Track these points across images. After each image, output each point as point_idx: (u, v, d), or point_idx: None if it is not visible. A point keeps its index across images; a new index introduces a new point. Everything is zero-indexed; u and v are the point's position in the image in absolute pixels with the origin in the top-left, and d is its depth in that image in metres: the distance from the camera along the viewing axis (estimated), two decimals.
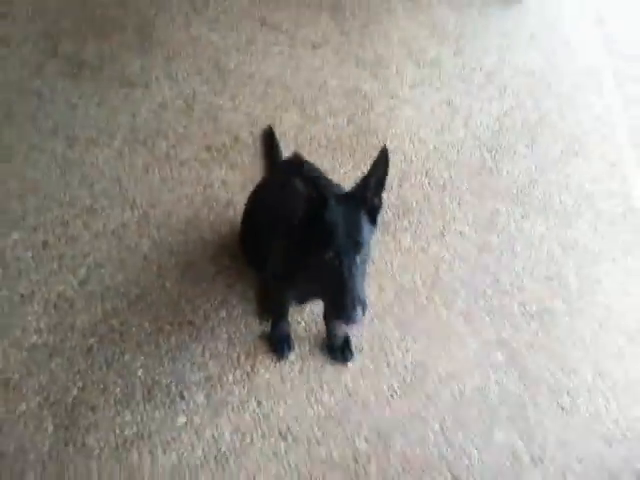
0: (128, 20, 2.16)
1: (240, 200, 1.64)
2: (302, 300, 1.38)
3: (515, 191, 1.87)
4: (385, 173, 1.09)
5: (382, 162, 1.08)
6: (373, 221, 1.11)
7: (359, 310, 1.04)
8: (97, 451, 1.32)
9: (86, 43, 2.07)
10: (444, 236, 1.73)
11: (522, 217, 1.81)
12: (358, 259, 1.07)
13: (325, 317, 1.50)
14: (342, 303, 1.04)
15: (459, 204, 1.81)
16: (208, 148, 1.83)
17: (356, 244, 1.06)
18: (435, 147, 1.93)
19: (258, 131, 1.87)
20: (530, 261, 1.71)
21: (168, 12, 2.22)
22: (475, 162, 1.92)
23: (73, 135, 1.83)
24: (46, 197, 1.69)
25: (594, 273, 1.71)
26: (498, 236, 1.76)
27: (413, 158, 1.90)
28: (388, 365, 1.49)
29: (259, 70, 2.05)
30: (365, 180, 1.09)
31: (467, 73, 2.17)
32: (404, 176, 1.85)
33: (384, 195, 1.13)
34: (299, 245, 1.12)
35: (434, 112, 2.03)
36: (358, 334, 1.51)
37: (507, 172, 1.91)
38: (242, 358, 1.47)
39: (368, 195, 1.10)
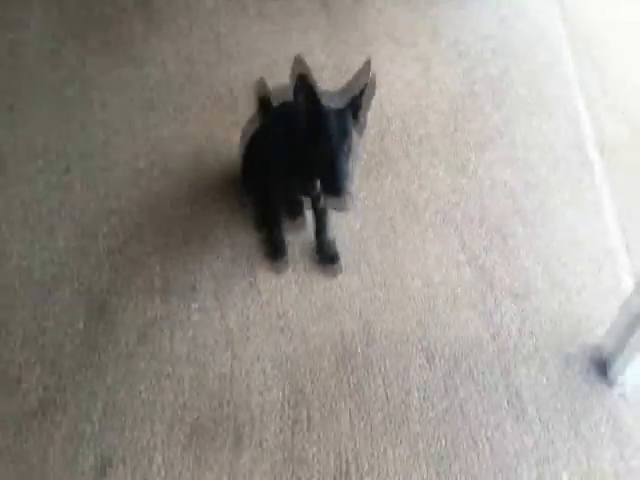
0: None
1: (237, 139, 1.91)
2: (294, 211, 1.68)
3: (484, 141, 2.14)
4: (372, 94, 1.39)
5: (372, 89, 1.38)
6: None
7: (347, 182, 1.33)
8: (124, 329, 1.58)
9: None
10: (421, 179, 2.00)
11: (489, 164, 2.08)
12: (346, 147, 1.37)
13: (316, 229, 1.76)
14: (333, 176, 1.33)
15: (434, 154, 2.08)
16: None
17: (344, 133, 1.37)
18: (412, 109, 2.22)
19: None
20: (496, 199, 1.97)
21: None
22: (448, 120, 2.20)
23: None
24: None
25: (552, 206, 1.97)
26: (469, 179, 2.03)
27: (393, 118, 2.18)
28: (368, 265, 1.75)
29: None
30: (355, 99, 1.40)
31: (439, 49, 2.46)
32: (385, 133, 2.12)
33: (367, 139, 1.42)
34: (300, 147, 1.41)
35: (412, 81, 2.32)
36: (345, 212, 1.77)
37: (476, 127, 2.19)
38: (244, 260, 1.73)
39: (359, 112, 1.42)
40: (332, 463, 1.40)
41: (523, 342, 1.64)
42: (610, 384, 1.56)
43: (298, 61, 1.38)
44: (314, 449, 1.42)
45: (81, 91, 2.15)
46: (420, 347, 1.61)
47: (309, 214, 1.78)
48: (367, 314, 1.66)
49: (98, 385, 1.49)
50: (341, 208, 1.45)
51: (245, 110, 1.90)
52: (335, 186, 1.33)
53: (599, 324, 1.66)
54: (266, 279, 1.71)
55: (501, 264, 1.80)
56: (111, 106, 2.11)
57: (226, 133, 2.01)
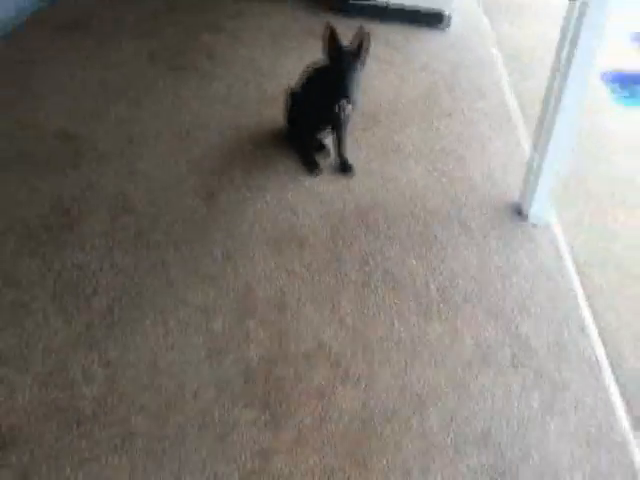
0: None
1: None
2: (320, 131, 2.73)
3: (441, 113, 3.24)
4: (367, 48, 2.47)
5: (366, 44, 2.46)
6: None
7: (352, 91, 2.39)
8: (227, 206, 2.56)
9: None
10: (399, 132, 3.07)
11: (444, 122, 3.16)
12: (352, 72, 2.42)
13: (337, 150, 2.80)
14: (344, 86, 2.38)
15: (408, 119, 3.17)
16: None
17: (352, 64, 2.42)
18: (393, 97, 3.34)
19: None
20: (448, 139, 3.03)
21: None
22: (416, 102, 3.31)
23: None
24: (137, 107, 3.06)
25: (482, 129, 3.04)
26: (433, 132, 3.10)
27: (380, 103, 3.29)
28: (370, 174, 2.78)
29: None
30: (358, 49, 2.46)
31: (411, 65, 3.63)
32: (375, 111, 3.21)
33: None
34: (324, 79, 2.48)
35: (392, 84, 3.46)
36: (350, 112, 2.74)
37: (436, 105, 3.30)
38: (290, 171, 2.75)
39: (359, 56, 2.47)
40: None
41: (467, 200, 2.64)
42: (525, 219, 2.55)
43: (327, 24, 2.47)
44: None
45: (177, 95, 3.25)
46: (402, 204, 2.60)
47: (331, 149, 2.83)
48: (372, 193, 2.66)
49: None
50: (349, 111, 2.50)
51: (281, 103, 2.99)
52: (345, 92, 2.39)
53: (517, 185, 2.67)
54: (308, 181, 2.72)
55: (458, 169, 2.83)
56: (203, 102, 3.21)
57: (270, 114, 3.09)
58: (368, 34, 2.44)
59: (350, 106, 2.47)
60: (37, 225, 2.30)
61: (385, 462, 1.67)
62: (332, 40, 2.45)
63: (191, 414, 1.72)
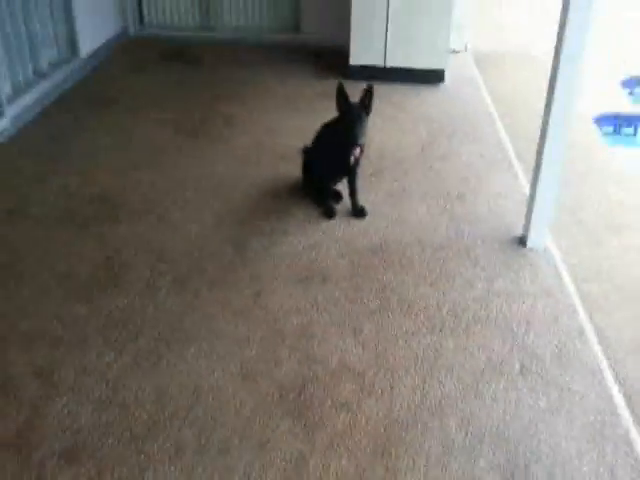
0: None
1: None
2: (334, 180, 3.03)
3: (440, 155, 3.54)
4: (371, 100, 2.80)
5: (370, 96, 2.80)
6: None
7: (360, 137, 2.71)
8: (253, 251, 2.83)
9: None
10: (403, 177, 3.36)
11: (444, 164, 3.46)
12: (360, 121, 2.74)
13: (350, 196, 3.08)
14: (353, 133, 2.70)
15: (409, 165, 3.47)
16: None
17: (359, 115, 2.75)
18: (394, 146, 3.66)
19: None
20: (453, 179, 3.32)
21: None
22: (416, 149, 3.62)
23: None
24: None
25: (484, 172, 3.31)
26: (434, 174, 3.39)
27: (384, 151, 3.61)
28: (381, 215, 3.05)
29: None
30: (363, 101, 2.79)
31: (411, 117, 3.97)
32: (380, 157, 3.53)
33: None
34: (336, 134, 2.81)
35: (394, 134, 3.79)
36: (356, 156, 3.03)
37: (435, 150, 3.61)
38: (308, 217, 3.02)
39: (365, 107, 2.80)
40: None
41: (471, 232, 2.89)
42: (525, 246, 2.79)
43: (338, 83, 2.81)
44: None
45: (200, 158, 3.59)
46: (413, 239, 2.85)
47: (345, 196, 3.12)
48: (384, 232, 2.92)
49: None
50: (357, 155, 2.81)
51: (298, 159, 3.29)
52: (354, 139, 2.71)
53: (515, 216, 2.92)
54: (325, 224, 2.99)
55: (460, 206, 3.10)
56: (224, 163, 3.54)
57: (286, 169, 3.39)
58: (371, 87, 2.78)
59: (359, 150, 2.77)
60: (85, 276, 2.57)
61: (410, 462, 1.85)
62: (341, 95, 2.78)
63: (233, 428, 1.93)
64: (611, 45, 5.45)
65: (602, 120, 4.02)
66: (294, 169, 3.25)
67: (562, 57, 2.42)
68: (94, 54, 4.87)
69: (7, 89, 3.76)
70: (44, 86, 4.13)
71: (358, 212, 3.05)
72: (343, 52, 4.53)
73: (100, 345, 2.22)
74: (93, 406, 1.98)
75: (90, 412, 1.96)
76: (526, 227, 2.78)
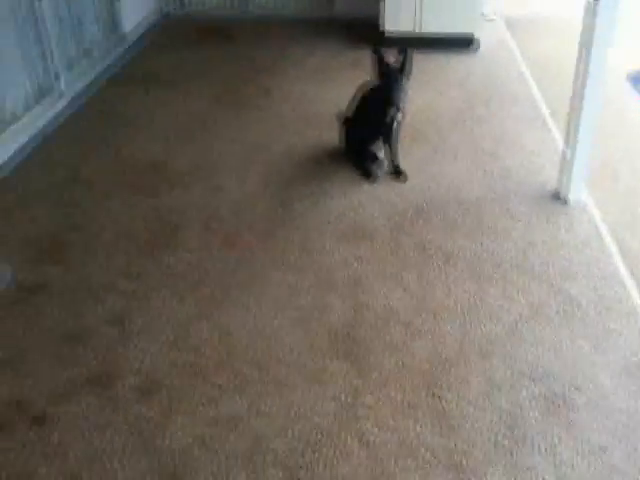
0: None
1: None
2: (373, 143, 3.14)
3: (478, 120, 3.62)
4: (410, 64, 2.89)
5: (407, 58, 2.89)
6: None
7: (399, 99, 2.82)
8: (299, 204, 2.98)
9: None
10: (441, 141, 3.45)
11: (480, 128, 3.54)
12: (399, 83, 2.84)
13: (390, 159, 3.19)
14: (393, 95, 2.80)
15: (449, 128, 3.56)
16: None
17: (398, 77, 2.84)
18: (434, 112, 3.74)
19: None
20: (485, 136, 3.40)
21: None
22: (456, 113, 3.71)
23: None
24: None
25: (516, 129, 3.39)
26: (467, 135, 3.48)
27: (423, 112, 3.70)
28: (420, 176, 3.16)
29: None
30: (402, 64, 2.88)
31: (447, 84, 4.05)
32: (419, 118, 3.62)
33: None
34: (376, 95, 2.91)
35: (434, 98, 3.88)
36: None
37: (473, 115, 3.69)
38: (350, 179, 3.15)
39: (404, 70, 2.89)
40: None
41: (509, 189, 2.98)
42: (562, 202, 2.87)
43: (374, 48, 2.90)
44: None
45: (240, 126, 3.74)
46: (451, 197, 2.96)
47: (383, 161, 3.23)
48: (423, 191, 3.04)
49: None
50: (399, 118, 2.92)
51: (335, 125, 3.40)
52: (395, 102, 2.81)
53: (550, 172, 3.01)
54: (366, 186, 3.11)
55: (498, 164, 3.19)
56: (264, 130, 3.68)
57: (325, 135, 3.51)
58: (410, 50, 2.87)
59: (400, 114, 2.88)
60: (145, 234, 2.75)
61: (457, 395, 1.98)
62: (380, 60, 2.88)
63: (289, 364, 2.09)
64: None
65: (635, 77, 4.03)
66: (332, 135, 3.37)
67: (597, 9, 2.46)
68: (136, 33, 5.04)
69: (58, 66, 3.95)
70: (90, 63, 4.32)
71: (398, 174, 3.16)
72: (375, 23, 4.60)
73: (165, 295, 2.40)
74: (163, 347, 2.16)
75: (160, 352, 2.15)
76: (562, 181, 2.86)
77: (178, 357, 2.12)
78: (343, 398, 1.97)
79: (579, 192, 2.85)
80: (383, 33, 4.52)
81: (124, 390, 2.01)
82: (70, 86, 4.01)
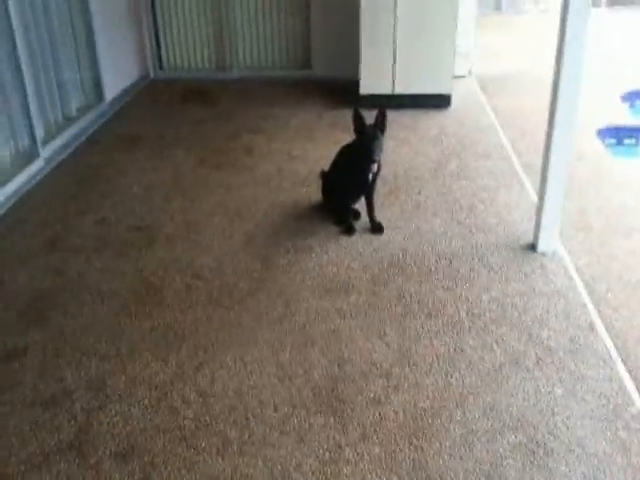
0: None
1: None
2: (353, 199, 3.23)
3: (453, 173, 3.75)
4: (385, 120, 3.02)
5: (383, 117, 3.02)
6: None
7: (377, 155, 2.93)
8: (279, 268, 3.03)
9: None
10: (417, 194, 3.57)
11: (455, 182, 3.66)
12: (376, 141, 2.95)
13: (368, 213, 3.28)
14: (371, 151, 2.91)
15: (423, 183, 3.68)
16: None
17: (375, 135, 2.96)
18: (410, 167, 3.87)
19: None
20: (470, 194, 3.52)
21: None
22: (430, 168, 3.84)
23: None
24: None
25: (492, 186, 3.50)
26: (446, 190, 3.59)
27: (399, 170, 3.82)
28: (397, 230, 3.24)
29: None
30: (377, 122, 3.01)
31: (421, 139, 4.20)
32: (395, 176, 3.75)
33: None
34: (353, 153, 3.03)
35: (407, 155, 4.01)
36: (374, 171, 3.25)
37: (447, 169, 3.82)
38: (330, 234, 3.23)
39: (379, 127, 3.02)
40: None
41: (484, 241, 3.07)
42: (536, 251, 2.96)
43: (355, 108, 3.03)
44: None
45: (224, 186, 3.83)
46: (428, 250, 3.03)
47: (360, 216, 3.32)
48: (401, 244, 3.11)
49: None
50: (375, 170, 3.03)
51: (316, 182, 3.53)
52: (371, 156, 2.92)
53: (525, 224, 3.10)
54: (345, 241, 3.19)
55: (473, 217, 3.28)
56: (248, 189, 3.78)
57: (306, 193, 3.63)
58: (384, 108, 3.01)
59: (376, 166, 2.99)
60: (128, 296, 2.78)
61: (437, 445, 2.00)
62: (357, 117, 3.02)
63: (272, 424, 2.10)
64: (609, 62, 5.71)
65: (604, 132, 4.21)
66: (314, 192, 3.47)
67: (563, 69, 2.62)
68: (118, 97, 5.20)
69: (40, 132, 4.05)
70: (74, 129, 4.44)
71: (376, 228, 3.24)
72: (353, 85, 4.80)
73: (148, 357, 2.41)
74: (144, 411, 2.16)
75: (141, 416, 2.14)
76: (536, 233, 2.96)
77: (159, 420, 2.12)
78: (326, 455, 1.98)
79: (552, 243, 2.94)
80: (360, 94, 4.72)
81: (103, 456, 1.99)
82: (52, 150, 4.11)
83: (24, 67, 3.79)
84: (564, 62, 2.63)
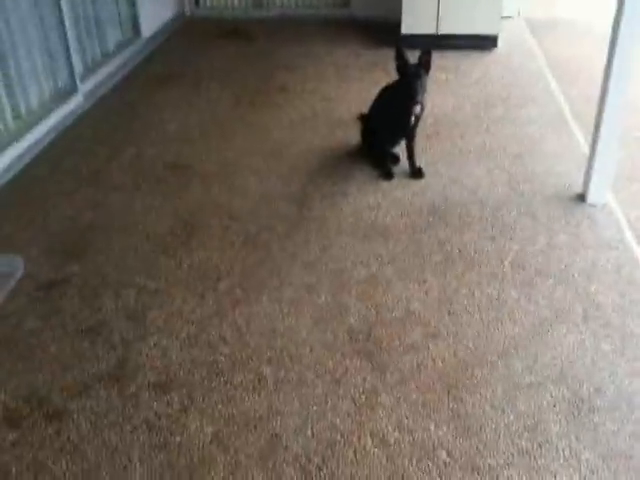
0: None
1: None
2: (393, 142, 3.12)
3: (496, 119, 3.59)
4: (429, 61, 2.86)
5: (429, 56, 2.86)
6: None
7: (419, 96, 2.78)
8: (317, 206, 2.96)
9: None
10: (460, 138, 3.43)
11: (496, 125, 3.50)
12: (419, 80, 2.80)
13: (408, 157, 3.17)
14: (413, 91, 2.77)
15: (464, 127, 3.53)
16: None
17: (418, 74, 2.81)
18: (452, 111, 3.71)
19: None
20: (500, 134, 3.37)
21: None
22: (476, 117, 3.67)
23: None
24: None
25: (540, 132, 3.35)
26: (488, 135, 3.44)
27: (441, 114, 3.67)
28: (438, 176, 3.13)
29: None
30: (421, 61, 2.85)
31: (465, 82, 4.01)
32: (438, 126, 3.60)
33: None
34: (396, 92, 2.89)
35: (450, 97, 3.84)
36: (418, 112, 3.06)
37: (490, 114, 3.65)
38: (368, 179, 3.13)
39: (423, 66, 2.86)
40: None
41: (529, 190, 2.94)
42: (584, 202, 2.83)
43: (397, 46, 2.89)
44: None
45: (260, 125, 3.73)
46: (471, 198, 2.93)
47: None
48: (441, 191, 3.01)
49: None
50: (418, 112, 2.90)
51: (354, 125, 3.40)
52: (415, 97, 2.79)
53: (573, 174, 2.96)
54: (384, 185, 3.09)
55: (518, 165, 3.15)
56: (283, 129, 3.68)
57: (342, 135, 3.51)
58: (429, 49, 2.85)
59: (419, 108, 2.86)
60: (165, 234, 2.75)
61: (478, 397, 1.95)
62: (400, 56, 2.87)
63: (309, 364, 2.07)
64: None
65: None
66: (350, 134, 3.35)
67: (623, 17, 2.45)
68: (155, 34, 5.08)
69: (79, 68, 3.98)
70: (111, 65, 4.35)
71: (416, 173, 3.14)
72: (392, 25, 4.59)
73: (184, 293, 2.39)
74: (181, 344, 2.16)
75: (179, 349, 2.14)
76: (586, 183, 2.82)
77: (196, 355, 2.11)
78: (362, 398, 1.95)
79: (604, 195, 2.80)
80: (402, 33, 4.51)
81: (142, 386, 2.00)
82: (91, 87, 4.04)
83: (63, 2, 3.70)
84: (624, 9, 2.45)
